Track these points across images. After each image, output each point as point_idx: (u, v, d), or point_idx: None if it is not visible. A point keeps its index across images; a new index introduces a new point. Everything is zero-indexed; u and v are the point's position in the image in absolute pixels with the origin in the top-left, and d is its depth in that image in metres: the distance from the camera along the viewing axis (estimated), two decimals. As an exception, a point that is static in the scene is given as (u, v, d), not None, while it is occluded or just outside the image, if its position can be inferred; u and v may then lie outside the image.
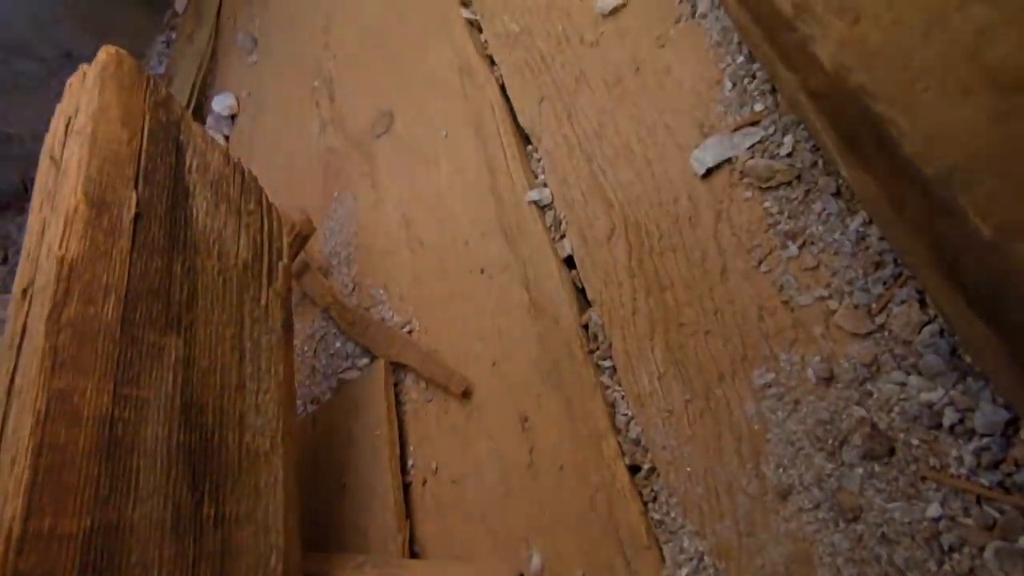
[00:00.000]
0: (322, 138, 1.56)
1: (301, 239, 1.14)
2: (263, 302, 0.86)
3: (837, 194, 0.74)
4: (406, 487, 0.98)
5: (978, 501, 0.56)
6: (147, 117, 0.83)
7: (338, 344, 1.22)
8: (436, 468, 0.97)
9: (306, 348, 1.29)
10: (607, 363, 0.87)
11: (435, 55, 1.32)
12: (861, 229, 0.70)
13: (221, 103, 2.09)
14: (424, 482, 0.98)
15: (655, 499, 0.77)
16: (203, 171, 0.89)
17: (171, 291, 0.75)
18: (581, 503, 0.81)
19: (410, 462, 1.00)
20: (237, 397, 0.73)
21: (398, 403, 1.06)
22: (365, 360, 1.15)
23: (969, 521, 0.56)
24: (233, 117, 2.08)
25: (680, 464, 0.76)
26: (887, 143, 0.40)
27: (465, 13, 1.30)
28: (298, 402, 1.22)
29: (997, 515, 0.55)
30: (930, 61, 0.38)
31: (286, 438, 0.76)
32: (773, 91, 0.83)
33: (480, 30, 1.28)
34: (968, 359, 0.60)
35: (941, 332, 0.62)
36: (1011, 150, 0.34)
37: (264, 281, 0.88)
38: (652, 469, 0.79)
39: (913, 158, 0.37)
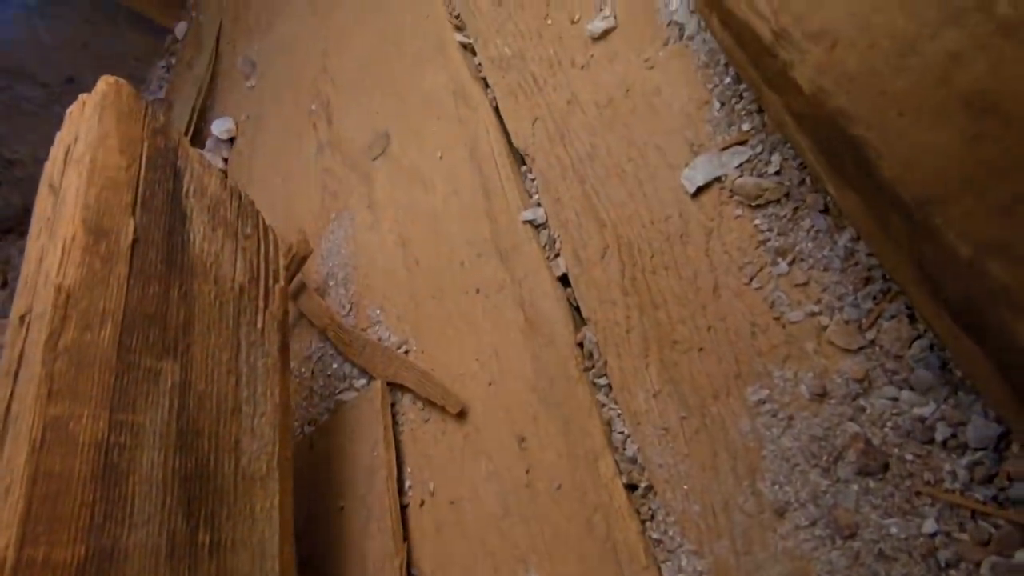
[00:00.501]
0: (319, 160, 1.58)
1: (298, 260, 1.15)
2: (259, 325, 0.87)
3: (825, 211, 0.75)
4: (404, 508, 0.98)
5: (973, 516, 0.56)
6: (145, 144, 0.85)
7: (335, 365, 1.22)
8: (434, 489, 0.97)
9: (303, 369, 1.29)
10: (603, 381, 0.87)
11: (430, 78, 1.34)
12: (849, 245, 0.71)
13: (220, 127, 2.12)
14: (422, 503, 0.97)
15: (653, 518, 0.77)
16: (200, 196, 0.90)
17: (168, 316, 0.75)
18: (579, 523, 0.81)
19: (408, 483, 1.00)
20: (233, 421, 0.74)
21: (395, 424, 1.06)
22: (362, 381, 1.16)
23: (965, 536, 0.56)
24: (232, 140, 2.11)
25: (677, 482, 0.76)
26: (867, 165, 0.41)
27: (459, 37, 1.33)
28: (295, 424, 1.22)
29: (992, 530, 0.55)
30: (905, 85, 0.39)
31: (282, 462, 0.76)
32: (760, 111, 0.84)
33: (474, 53, 1.31)
34: (959, 373, 0.60)
35: (931, 346, 0.63)
36: (985, 171, 0.35)
37: (260, 304, 0.89)
38: (649, 488, 0.79)
39: (891, 180, 0.38)
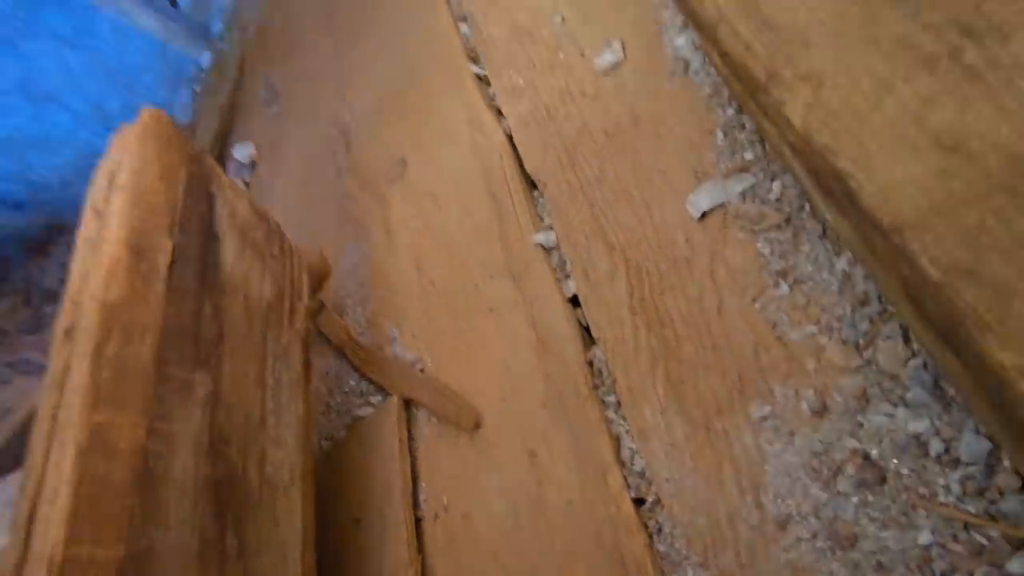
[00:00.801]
0: (338, 185, 1.64)
1: (318, 280, 1.20)
2: (284, 341, 0.91)
3: (823, 236, 0.78)
4: (418, 522, 1.01)
5: (966, 528, 0.59)
6: (183, 171, 0.91)
7: (352, 382, 1.26)
8: (447, 503, 1.00)
9: (321, 386, 1.33)
10: (611, 398, 0.91)
11: (446, 107, 1.40)
12: (846, 269, 0.75)
13: (242, 152, 2.21)
14: (436, 517, 1.00)
15: (660, 531, 0.80)
16: (232, 219, 0.95)
17: (201, 331, 0.80)
18: (588, 536, 0.83)
19: (422, 497, 1.03)
20: (259, 431, 0.78)
21: (410, 439, 1.09)
22: (378, 397, 1.19)
23: (959, 548, 0.58)
24: (253, 165, 2.19)
25: (683, 496, 0.79)
26: (850, 194, 0.45)
27: (474, 69, 1.39)
28: (313, 438, 1.25)
29: (985, 541, 0.58)
30: (882, 124, 0.43)
31: (304, 472, 0.80)
32: (761, 140, 0.89)
33: (488, 84, 1.37)
34: (951, 391, 0.63)
35: (924, 365, 0.66)
36: (952, 202, 0.39)
37: (285, 321, 0.94)
38: (656, 501, 0.81)
39: (871, 208, 0.42)
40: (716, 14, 0.61)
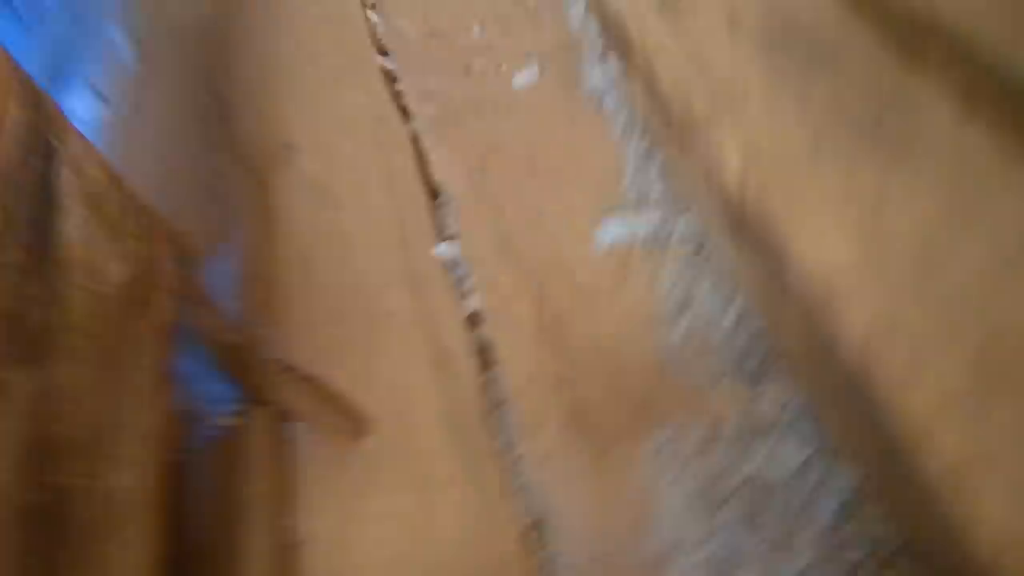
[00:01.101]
0: (211, 160, 1.45)
1: (184, 267, 1.04)
2: (138, 337, 0.77)
3: (723, 276, 0.84)
4: (285, 549, 0.89)
5: (841, 549, 0.65)
6: (13, 114, 0.73)
7: (218, 387, 1.10)
8: (323, 528, 0.90)
9: (182, 390, 1.15)
10: (509, 422, 0.89)
11: (349, 97, 1.31)
12: (741, 309, 0.81)
13: (85, 102, 1.88)
14: (308, 544, 0.90)
15: (552, 562, 0.79)
16: (78, 183, 0.79)
17: (26, 316, 0.64)
18: (480, 566, 0.80)
19: (292, 521, 0.92)
20: (100, 445, 0.64)
21: (284, 454, 0.97)
22: (248, 405, 1.05)
23: (833, 568, 0.65)
24: (104, 123, 1.87)
25: (577, 527, 0.79)
26: (775, 240, 0.48)
27: (384, 63, 1.32)
28: (171, 451, 1.07)
29: (858, 558, 0.64)
30: (811, 177, 0.46)
31: (157, 493, 0.67)
32: (670, 177, 0.94)
33: (396, 80, 1.31)
34: (827, 428, 0.70)
35: (806, 403, 0.73)
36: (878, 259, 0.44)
37: (141, 313, 0.79)
38: (549, 530, 0.80)
39: (796, 257, 0.46)
40: (655, 47, 0.63)
